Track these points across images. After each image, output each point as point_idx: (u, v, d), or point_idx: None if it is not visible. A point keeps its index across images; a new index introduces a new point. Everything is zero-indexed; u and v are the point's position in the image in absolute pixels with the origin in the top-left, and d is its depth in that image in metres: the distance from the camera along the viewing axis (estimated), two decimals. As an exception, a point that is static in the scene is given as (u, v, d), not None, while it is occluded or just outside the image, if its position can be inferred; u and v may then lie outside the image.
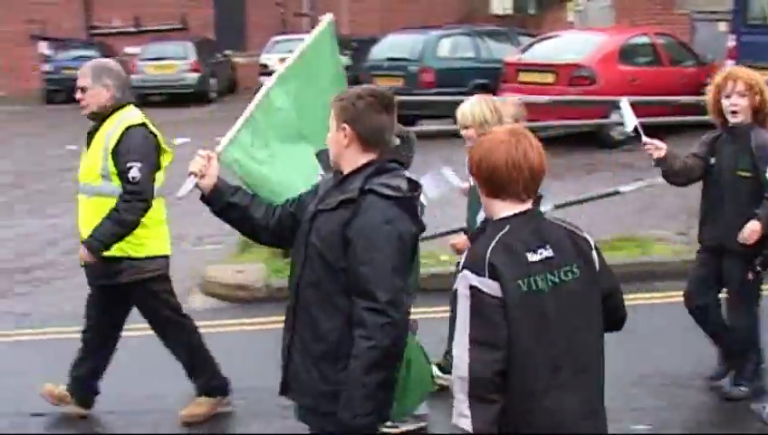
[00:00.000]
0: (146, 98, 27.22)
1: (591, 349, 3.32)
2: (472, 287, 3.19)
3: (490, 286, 3.17)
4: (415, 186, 3.70)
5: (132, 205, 5.58)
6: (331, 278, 3.59)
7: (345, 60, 28.79)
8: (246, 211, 3.95)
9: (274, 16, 32.98)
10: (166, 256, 5.94)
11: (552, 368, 3.19)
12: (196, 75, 28.03)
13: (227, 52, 31.40)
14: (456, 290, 3.26)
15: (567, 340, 3.23)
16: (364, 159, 3.67)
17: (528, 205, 3.33)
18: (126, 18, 33.89)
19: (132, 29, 33.72)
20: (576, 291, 3.28)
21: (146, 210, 5.65)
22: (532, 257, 3.24)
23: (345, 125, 3.66)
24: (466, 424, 3.16)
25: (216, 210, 4.03)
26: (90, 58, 28.35)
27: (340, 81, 4.70)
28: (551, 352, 3.20)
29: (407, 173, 3.74)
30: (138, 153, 5.62)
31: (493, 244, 3.23)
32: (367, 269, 3.50)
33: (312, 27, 5.07)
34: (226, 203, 3.97)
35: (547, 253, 3.25)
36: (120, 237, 5.64)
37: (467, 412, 3.14)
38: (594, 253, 3.40)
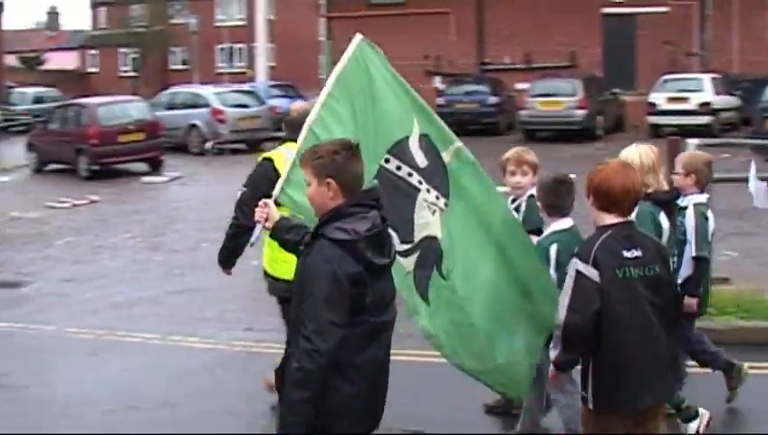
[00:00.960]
0: (534, 134, 28.05)
1: (660, 323, 4.63)
2: (578, 271, 4.59)
3: (591, 273, 4.54)
4: (380, 224, 4.08)
5: (230, 222, 6.43)
6: (299, 311, 4.04)
7: (734, 100, 28.12)
8: (297, 246, 4.45)
9: (664, 55, 32.62)
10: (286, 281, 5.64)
11: (638, 329, 4.55)
12: (583, 112, 27.97)
13: (615, 90, 31.40)
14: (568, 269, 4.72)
15: (648, 314, 4.58)
16: (333, 204, 4.08)
17: (627, 218, 4.70)
18: (517, 55, 34.94)
19: (522, 66, 34.67)
20: (657, 283, 4.63)
21: (233, 226, 6.35)
22: (626, 254, 4.57)
23: (329, 180, 4.06)
24: (553, 355, 4.75)
25: (280, 245, 4.76)
26: (480, 93, 29.69)
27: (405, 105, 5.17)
28: (638, 317, 4.56)
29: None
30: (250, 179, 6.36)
31: (598, 242, 4.58)
32: (306, 303, 3.98)
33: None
34: (281, 239, 4.66)
35: (637, 253, 4.59)
36: (223, 250, 6.57)
37: (557, 348, 4.66)
38: (670, 260, 5.12)
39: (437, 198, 5.21)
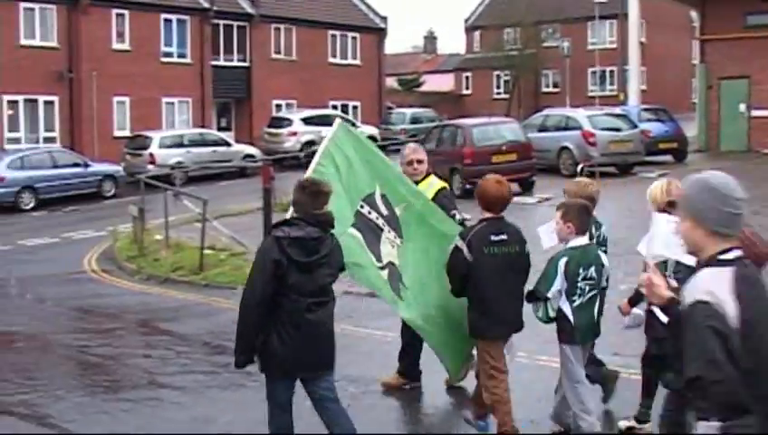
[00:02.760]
0: None
1: (515, 283, 7.17)
2: (456, 247, 6.89)
3: (464, 249, 6.94)
4: (313, 236, 6.30)
5: None
6: None
7: None
8: None
9: None
10: None
11: (495, 286, 7.00)
12: None
13: None
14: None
15: (505, 278, 7.00)
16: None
17: (499, 214, 7.06)
18: None
19: None
20: (516, 257, 7.04)
21: None
22: (493, 238, 6.90)
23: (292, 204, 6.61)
24: None
25: None
26: None
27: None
28: (496, 279, 6.98)
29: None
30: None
31: (474, 230, 6.90)
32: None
33: None
34: None
35: (503, 237, 6.96)
36: None
37: None
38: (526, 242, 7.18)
39: (395, 237, 7.64)
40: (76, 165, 30.89)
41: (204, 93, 41.92)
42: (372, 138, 40.40)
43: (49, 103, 36.80)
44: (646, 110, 32.71)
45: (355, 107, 48.82)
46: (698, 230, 3.68)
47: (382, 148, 39.08)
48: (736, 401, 3.40)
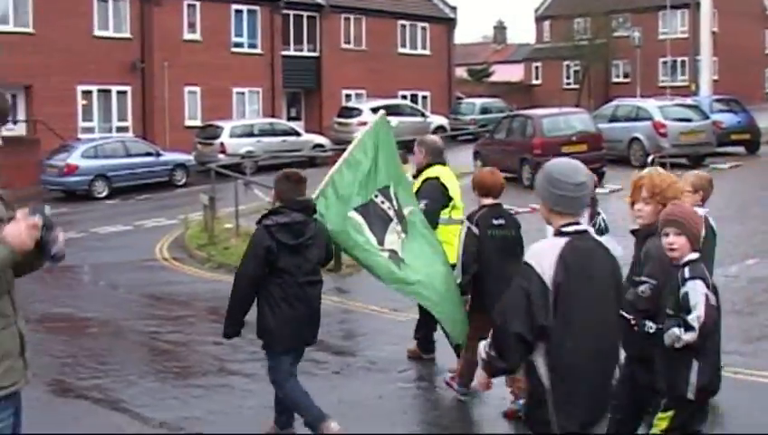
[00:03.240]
0: None
1: (509, 261, 7.59)
2: (468, 228, 7.88)
3: (474, 229, 7.81)
4: (299, 220, 7.02)
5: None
6: None
7: None
8: None
9: None
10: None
11: (493, 264, 7.82)
12: None
13: None
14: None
15: (501, 257, 7.85)
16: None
17: (497, 200, 8.04)
18: None
19: None
20: (512, 240, 7.94)
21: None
22: (494, 222, 7.87)
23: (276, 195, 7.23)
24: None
25: None
26: None
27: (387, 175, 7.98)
28: (494, 259, 7.85)
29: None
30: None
31: (480, 213, 7.96)
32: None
33: None
34: None
35: (501, 221, 7.93)
36: None
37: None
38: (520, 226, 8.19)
39: (401, 231, 7.90)
40: (148, 154, 31.35)
41: (274, 83, 42.22)
42: (442, 128, 40.52)
43: (122, 93, 37.38)
44: (717, 100, 32.15)
45: (424, 97, 48.77)
46: (544, 208, 4.45)
47: (452, 138, 39.56)
48: (512, 346, 4.24)
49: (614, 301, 4.45)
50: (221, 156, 31.88)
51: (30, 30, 34.42)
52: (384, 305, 12.57)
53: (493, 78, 69.47)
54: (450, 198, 8.95)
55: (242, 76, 40.50)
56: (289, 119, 42.61)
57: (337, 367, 9.86)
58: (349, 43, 45.95)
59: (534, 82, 67.45)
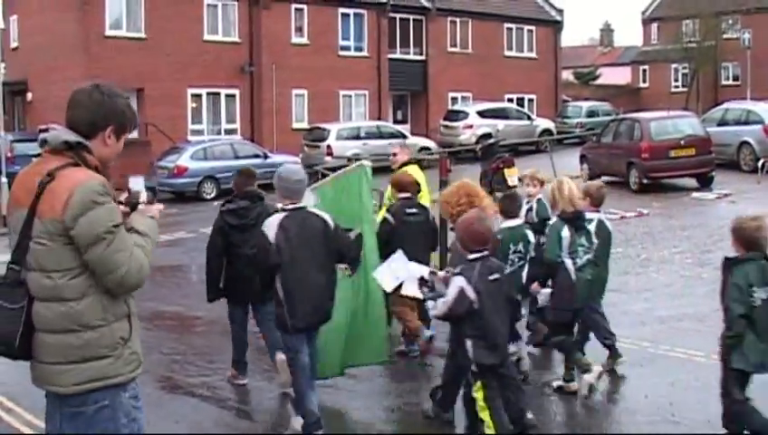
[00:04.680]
0: None
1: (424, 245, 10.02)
2: (385, 218, 9.87)
3: (390, 218, 9.85)
4: (244, 206, 9.05)
5: None
6: None
7: None
8: None
9: None
10: None
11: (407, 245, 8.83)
12: None
13: None
14: None
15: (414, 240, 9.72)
16: None
17: (409, 194, 10.13)
18: None
19: None
20: (425, 224, 10.05)
21: None
22: (408, 211, 9.90)
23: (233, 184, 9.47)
24: None
25: None
26: None
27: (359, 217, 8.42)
28: (408, 241, 9.27)
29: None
30: None
31: (393, 207, 10.10)
32: None
33: None
34: None
35: (415, 210, 9.95)
36: None
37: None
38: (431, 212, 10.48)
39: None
40: (256, 156, 31.76)
41: (380, 86, 42.48)
42: (548, 131, 40.19)
43: (230, 96, 38.07)
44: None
45: (531, 100, 48.47)
46: (279, 195, 7.48)
47: (559, 142, 39.19)
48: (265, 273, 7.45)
49: (322, 245, 7.21)
50: (328, 158, 32.17)
51: (142, 35, 35.36)
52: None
53: (599, 81, 68.61)
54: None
55: (348, 79, 40.86)
56: (395, 122, 42.77)
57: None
58: (455, 46, 45.94)
59: (642, 84, 66.33)
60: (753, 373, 6.53)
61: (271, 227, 7.13)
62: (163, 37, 35.22)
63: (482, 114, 38.82)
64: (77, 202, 3.94)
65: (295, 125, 38.91)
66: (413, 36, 44.63)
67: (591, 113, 45.00)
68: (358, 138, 34.90)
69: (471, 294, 6.44)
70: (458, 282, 6.48)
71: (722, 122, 28.44)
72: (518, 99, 46.86)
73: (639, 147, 24.25)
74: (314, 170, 25.34)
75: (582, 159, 28.19)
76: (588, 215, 8.70)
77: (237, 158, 31.06)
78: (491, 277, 6.60)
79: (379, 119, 40.67)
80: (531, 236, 8.89)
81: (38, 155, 4.25)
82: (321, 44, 39.97)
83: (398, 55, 43.68)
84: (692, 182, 24.33)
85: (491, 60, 46.40)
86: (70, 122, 4.17)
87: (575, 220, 8.35)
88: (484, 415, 6.47)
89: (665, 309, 12.03)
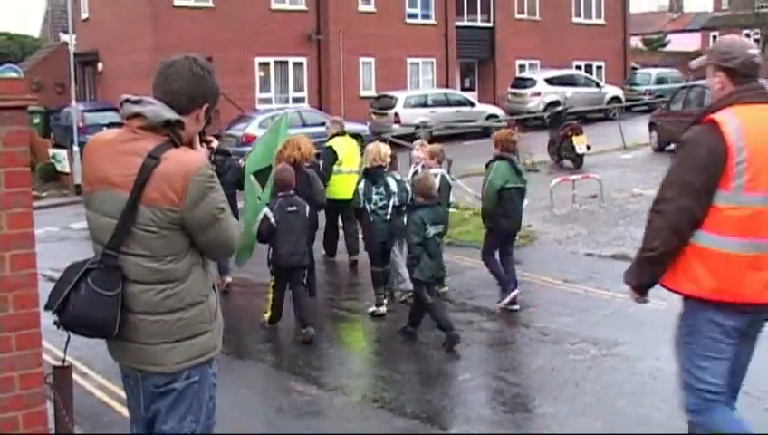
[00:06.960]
0: None
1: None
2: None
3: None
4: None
5: None
6: None
7: None
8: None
9: None
10: None
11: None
12: None
13: None
14: None
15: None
16: None
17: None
18: None
19: None
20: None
21: None
22: None
23: None
24: None
25: None
26: None
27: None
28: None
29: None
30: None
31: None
32: None
33: None
34: None
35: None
36: None
37: None
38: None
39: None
40: (323, 124, 31.83)
41: (448, 54, 42.25)
42: (616, 99, 39.69)
43: (298, 65, 38.19)
44: None
45: (599, 67, 47.84)
46: None
47: (627, 109, 38.68)
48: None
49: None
50: (395, 126, 32.18)
51: (210, 5, 35.60)
52: (558, 277, 12.56)
53: (668, 47, 67.46)
54: (337, 157, 13.41)
55: (416, 47, 40.71)
56: (463, 89, 42.57)
57: (510, 337, 9.91)
58: (522, 12, 45.46)
59: (714, 51, 65.08)
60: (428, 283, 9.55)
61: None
62: (231, 6, 35.41)
63: (550, 81, 38.49)
64: (195, 192, 3.82)
65: (363, 93, 38.92)
66: (480, 3, 44.23)
67: (660, 80, 44.30)
68: (425, 105, 34.85)
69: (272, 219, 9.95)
70: (264, 211, 10.06)
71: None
72: (586, 66, 46.31)
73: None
74: (382, 138, 25.38)
75: (651, 126, 27.81)
76: (433, 170, 11.56)
77: (305, 126, 31.13)
78: (288, 209, 9.99)
79: (447, 86, 40.50)
80: (392, 183, 11.12)
81: (113, 124, 4.16)
82: (388, 12, 39.85)
83: (465, 23, 43.36)
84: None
85: (558, 26, 45.87)
86: (168, 95, 3.97)
87: (372, 175, 11.02)
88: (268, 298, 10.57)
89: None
